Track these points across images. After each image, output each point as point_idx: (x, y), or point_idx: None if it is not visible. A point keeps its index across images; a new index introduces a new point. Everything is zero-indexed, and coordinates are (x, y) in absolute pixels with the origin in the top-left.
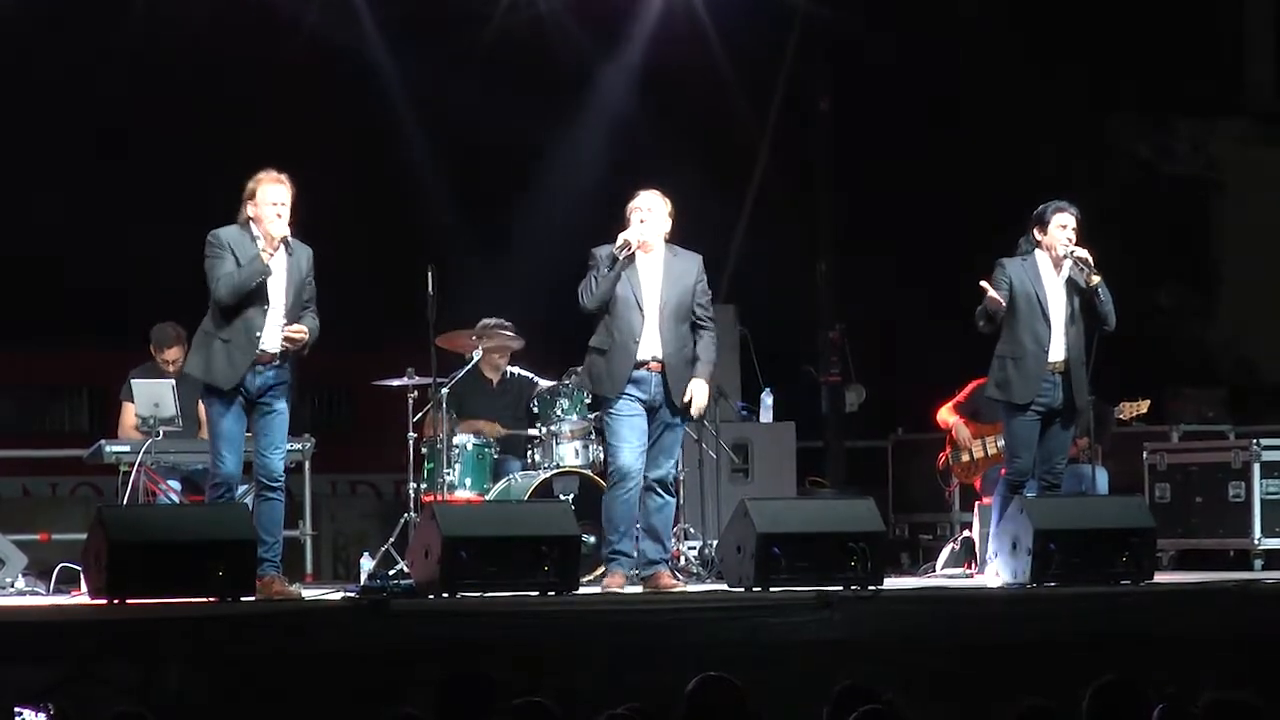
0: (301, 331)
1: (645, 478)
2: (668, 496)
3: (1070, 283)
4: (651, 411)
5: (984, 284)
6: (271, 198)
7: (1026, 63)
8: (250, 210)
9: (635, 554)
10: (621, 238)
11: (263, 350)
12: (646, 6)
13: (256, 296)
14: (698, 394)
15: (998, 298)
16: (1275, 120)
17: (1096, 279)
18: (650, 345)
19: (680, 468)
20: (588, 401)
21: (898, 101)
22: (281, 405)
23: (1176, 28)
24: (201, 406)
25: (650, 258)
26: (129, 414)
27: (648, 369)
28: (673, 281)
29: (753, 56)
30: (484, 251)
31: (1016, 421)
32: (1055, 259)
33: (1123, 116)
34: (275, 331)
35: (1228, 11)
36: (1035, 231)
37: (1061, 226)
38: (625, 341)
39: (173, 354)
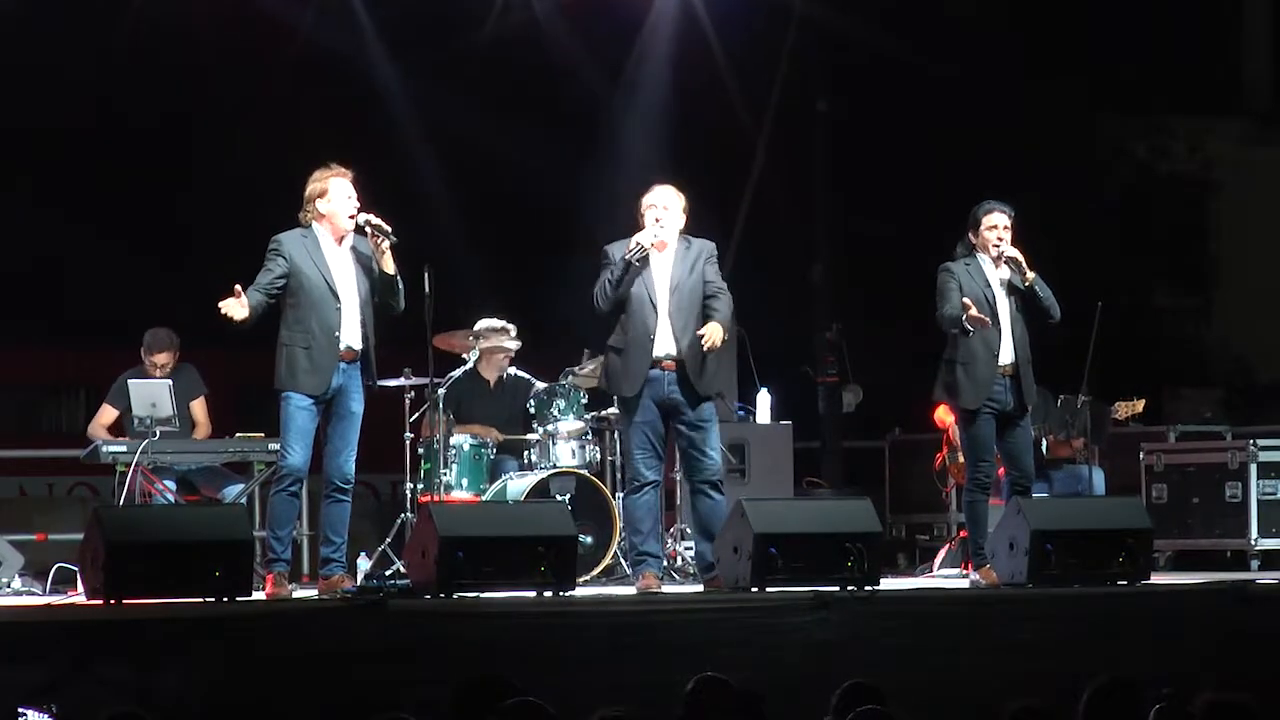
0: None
1: (691, 480)
2: (718, 496)
3: (1009, 283)
4: (667, 412)
5: (967, 303)
6: (345, 191)
7: (1025, 63)
8: (322, 207)
9: (662, 554)
10: (634, 240)
11: (346, 347)
12: (644, 7)
13: (326, 298)
14: (712, 332)
15: (984, 319)
16: (1273, 121)
17: (1031, 275)
18: (665, 343)
19: (676, 468)
20: (584, 402)
21: (896, 101)
22: (357, 408)
23: (1174, 28)
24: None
25: (664, 254)
26: (105, 414)
27: (662, 368)
28: (684, 275)
29: (750, 56)
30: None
31: (972, 426)
32: (995, 259)
33: (1121, 117)
34: (354, 327)
35: (1226, 12)
36: (970, 234)
37: (991, 227)
38: (641, 339)
39: (163, 359)
